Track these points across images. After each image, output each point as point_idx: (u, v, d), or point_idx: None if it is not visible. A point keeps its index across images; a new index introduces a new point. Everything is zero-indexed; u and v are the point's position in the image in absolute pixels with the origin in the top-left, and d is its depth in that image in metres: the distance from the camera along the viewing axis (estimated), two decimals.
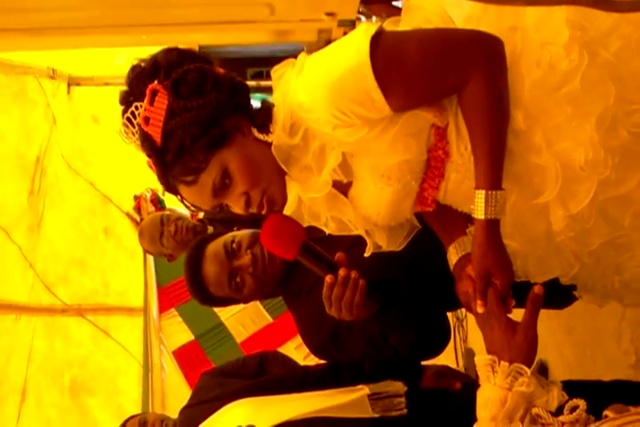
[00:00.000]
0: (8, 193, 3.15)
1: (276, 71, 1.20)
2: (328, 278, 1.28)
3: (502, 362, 1.07)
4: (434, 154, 1.18)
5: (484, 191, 1.12)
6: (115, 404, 3.71)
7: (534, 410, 1.02)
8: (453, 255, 1.29)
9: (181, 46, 1.23)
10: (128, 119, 1.15)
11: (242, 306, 3.62)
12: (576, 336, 2.58)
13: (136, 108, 1.14)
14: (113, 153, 4.59)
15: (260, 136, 1.18)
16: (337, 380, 1.58)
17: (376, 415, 1.45)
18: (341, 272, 1.27)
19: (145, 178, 4.60)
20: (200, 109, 1.11)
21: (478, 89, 1.10)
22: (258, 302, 3.60)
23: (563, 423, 0.98)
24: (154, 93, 1.12)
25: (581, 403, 1.00)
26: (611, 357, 2.39)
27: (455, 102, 1.16)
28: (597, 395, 1.04)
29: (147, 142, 1.14)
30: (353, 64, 1.08)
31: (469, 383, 1.66)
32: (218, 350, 3.46)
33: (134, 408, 3.43)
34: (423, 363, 1.80)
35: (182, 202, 1.22)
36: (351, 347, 1.59)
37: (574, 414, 0.99)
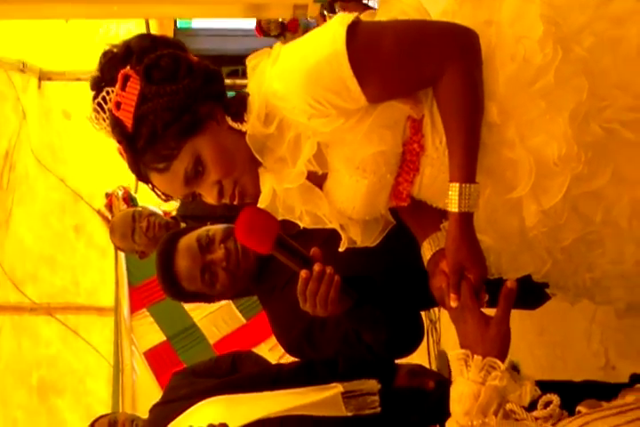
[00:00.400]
0: None
1: (251, 61, 1.19)
2: (303, 273, 1.26)
3: (476, 356, 1.06)
4: (409, 147, 1.17)
5: (457, 184, 1.11)
6: (84, 404, 3.65)
7: (508, 406, 1.01)
8: (427, 251, 1.29)
9: (155, 26, 1.21)
10: (99, 104, 1.13)
11: (215, 306, 3.60)
12: (547, 337, 2.60)
13: (107, 93, 1.12)
14: (84, 149, 4.52)
15: (234, 125, 1.16)
16: (310, 378, 1.57)
17: (349, 414, 1.44)
18: (316, 267, 1.26)
19: (117, 175, 4.55)
20: (173, 95, 1.10)
21: (453, 80, 1.10)
22: (231, 303, 3.58)
23: (536, 418, 0.98)
24: (126, 78, 1.10)
25: (555, 398, 1.00)
26: (581, 358, 2.42)
27: (430, 95, 1.16)
28: (569, 394, 1.05)
29: (118, 128, 1.12)
30: (329, 52, 1.07)
31: (442, 382, 1.67)
32: (190, 351, 3.42)
33: (104, 409, 3.39)
34: (397, 362, 1.80)
35: (153, 190, 1.20)
36: (325, 344, 1.58)
37: (548, 409, 0.99)
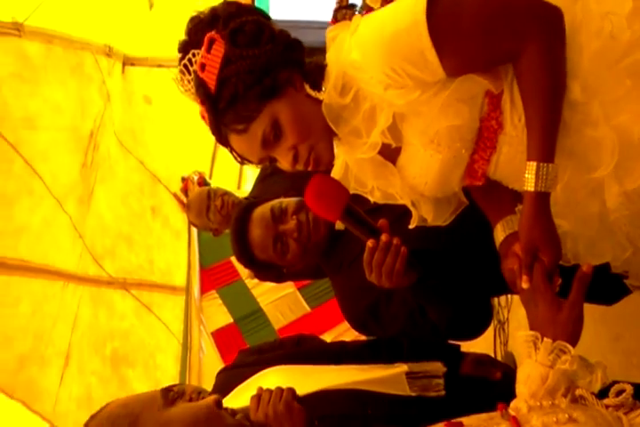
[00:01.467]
0: (62, 164, 3.23)
1: (331, 31, 1.21)
2: (369, 243, 1.27)
3: (545, 339, 1.03)
4: (486, 124, 1.16)
5: (535, 163, 1.09)
6: (153, 378, 3.78)
7: (577, 391, 0.98)
8: (500, 233, 1.27)
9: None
10: (185, 66, 1.18)
11: (281, 293, 3.67)
12: (623, 344, 2.50)
13: (193, 55, 1.16)
14: (164, 134, 4.67)
15: (312, 93, 1.18)
16: (375, 357, 1.57)
17: (413, 394, 1.44)
18: (383, 238, 1.27)
19: (193, 161, 4.68)
20: (255, 59, 1.13)
21: (534, 57, 1.08)
22: (297, 291, 3.63)
23: (607, 406, 0.95)
24: (211, 42, 1.14)
25: (628, 387, 0.96)
26: None
27: (511, 73, 1.14)
28: None
29: (201, 89, 1.16)
30: (408, 22, 1.07)
31: (509, 373, 1.63)
32: (255, 335, 3.49)
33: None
34: (464, 350, 1.78)
35: (232, 153, 1.23)
36: (390, 320, 1.59)
37: (620, 397, 0.95)
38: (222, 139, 1.21)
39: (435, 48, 1.07)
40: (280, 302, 3.61)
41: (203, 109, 1.19)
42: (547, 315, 1.07)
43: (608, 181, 1.14)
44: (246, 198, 2.79)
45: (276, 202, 1.68)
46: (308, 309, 3.57)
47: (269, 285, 3.71)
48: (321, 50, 1.24)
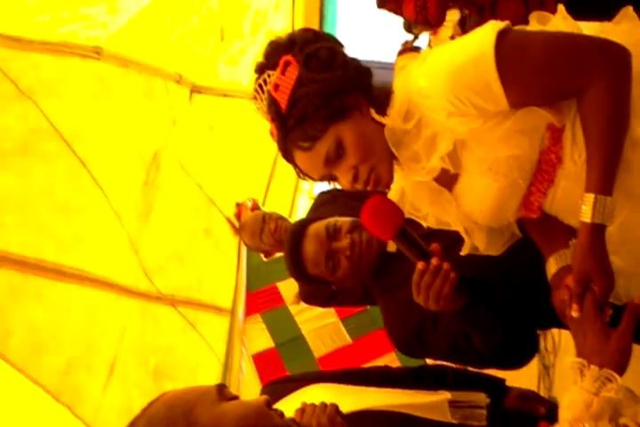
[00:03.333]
0: (125, 181, 3.36)
1: (401, 60, 1.28)
2: (420, 265, 1.31)
3: (592, 366, 1.05)
4: (546, 157, 1.20)
5: (593, 195, 1.13)
6: None
7: (622, 420, 0.99)
8: (553, 266, 1.30)
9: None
10: (259, 85, 1.27)
11: (324, 322, 3.68)
12: None
13: (268, 75, 1.25)
14: (222, 161, 4.80)
15: (377, 117, 1.26)
16: (417, 383, 1.59)
17: (455, 422, 1.45)
18: (434, 261, 1.30)
19: (248, 188, 4.79)
20: (326, 83, 1.21)
21: (600, 94, 1.12)
22: (339, 322, 3.64)
23: None
24: (286, 64, 1.23)
25: None
26: None
27: (574, 108, 1.18)
28: None
29: (273, 107, 1.24)
30: (477, 54, 1.13)
31: (554, 410, 1.62)
32: (295, 360, 3.52)
33: None
34: (509, 385, 1.78)
35: (295, 169, 1.31)
36: (434, 344, 1.61)
37: None
38: (287, 155, 1.29)
39: (500, 80, 1.13)
40: (322, 330, 3.63)
41: (272, 127, 1.28)
42: (595, 344, 1.09)
43: None
44: None
45: (331, 220, 1.75)
46: (349, 340, 3.58)
47: (312, 313, 3.74)
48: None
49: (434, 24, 2.11)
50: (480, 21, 1.98)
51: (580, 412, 1.01)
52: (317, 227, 1.74)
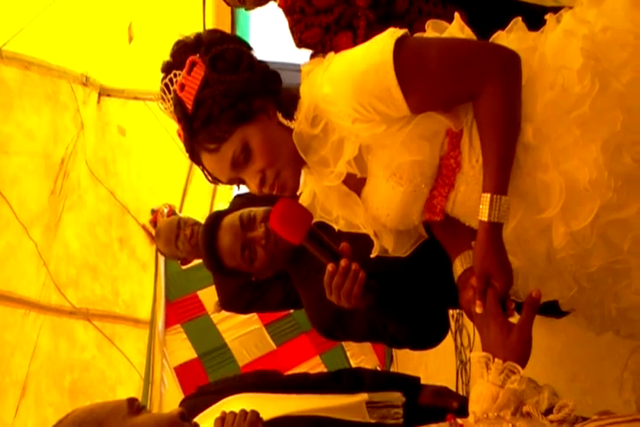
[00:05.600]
0: (31, 190, 3.22)
1: (306, 66, 1.29)
2: (329, 267, 1.33)
3: (496, 359, 1.09)
4: (445, 162, 1.23)
5: (489, 195, 1.17)
6: None
7: (525, 408, 1.03)
8: (459, 268, 1.33)
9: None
10: (166, 85, 1.24)
11: (247, 329, 3.65)
12: (578, 384, 2.57)
13: (175, 75, 1.23)
14: (135, 166, 4.68)
15: (284, 121, 1.25)
16: (336, 387, 1.61)
17: (372, 421, 1.47)
18: (342, 263, 1.32)
19: (164, 193, 4.70)
20: (232, 84, 1.20)
21: (493, 96, 1.16)
22: (263, 328, 3.62)
23: (551, 421, 1.00)
24: (192, 64, 1.21)
25: (570, 403, 1.01)
26: (611, 406, 2.36)
27: (470, 114, 1.22)
28: None
29: (179, 107, 1.23)
30: (377, 61, 1.15)
31: (466, 405, 1.67)
32: (219, 371, 3.46)
33: None
34: (423, 382, 1.82)
35: (203, 171, 1.29)
36: (354, 328, 1.64)
37: (562, 412, 1.01)
38: (195, 157, 1.27)
39: (400, 86, 1.15)
40: (246, 338, 3.60)
41: (179, 128, 1.26)
42: (498, 337, 1.13)
43: (555, 222, 1.21)
44: None
45: (245, 210, 1.74)
46: (274, 346, 3.56)
47: (235, 320, 3.70)
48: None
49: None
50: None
51: (487, 404, 1.06)
52: (231, 218, 1.72)
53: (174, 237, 2.60)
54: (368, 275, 1.35)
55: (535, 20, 1.31)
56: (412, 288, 1.55)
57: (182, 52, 1.24)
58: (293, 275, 1.79)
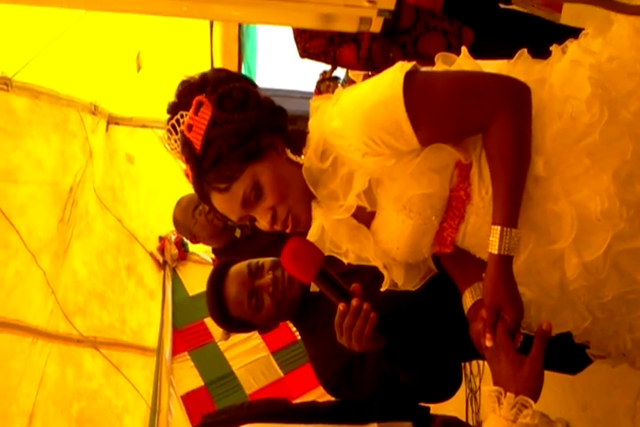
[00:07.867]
0: (40, 218, 3.23)
1: (315, 101, 1.29)
2: (340, 306, 1.31)
3: (508, 394, 1.07)
4: (455, 194, 1.22)
5: (499, 227, 1.16)
6: None
7: None
8: (469, 300, 1.32)
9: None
10: (172, 126, 1.24)
11: (255, 357, 3.63)
12: (590, 413, 2.53)
13: (181, 116, 1.23)
14: (143, 193, 4.71)
15: (293, 157, 1.26)
16: (346, 417, 1.58)
17: None
18: (354, 302, 1.30)
19: (170, 221, 4.70)
20: (240, 123, 1.20)
21: (502, 128, 1.16)
22: (270, 356, 3.60)
23: None
24: (199, 104, 1.21)
25: None
26: None
27: (479, 146, 1.22)
28: None
29: (187, 148, 1.22)
30: (387, 96, 1.15)
31: None
32: (226, 399, 3.46)
33: None
34: (433, 413, 1.79)
35: (212, 210, 1.28)
36: (362, 383, 1.60)
37: None
38: (204, 197, 1.26)
39: (410, 120, 1.15)
40: (253, 366, 3.58)
41: (187, 168, 1.25)
42: (509, 371, 1.11)
43: (568, 253, 1.20)
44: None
45: (253, 260, 1.74)
46: (281, 373, 3.55)
47: (243, 348, 3.68)
48: (302, 118, 1.31)
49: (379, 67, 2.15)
50: (404, 57, 2.07)
51: None
52: (239, 266, 1.72)
53: (194, 206, 2.61)
54: (379, 318, 1.33)
55: (539, 36, 1.31)
56: (424, 334, 1.53)
57: (188, 92, 1.24)
58: (300, 328, 1.78)
